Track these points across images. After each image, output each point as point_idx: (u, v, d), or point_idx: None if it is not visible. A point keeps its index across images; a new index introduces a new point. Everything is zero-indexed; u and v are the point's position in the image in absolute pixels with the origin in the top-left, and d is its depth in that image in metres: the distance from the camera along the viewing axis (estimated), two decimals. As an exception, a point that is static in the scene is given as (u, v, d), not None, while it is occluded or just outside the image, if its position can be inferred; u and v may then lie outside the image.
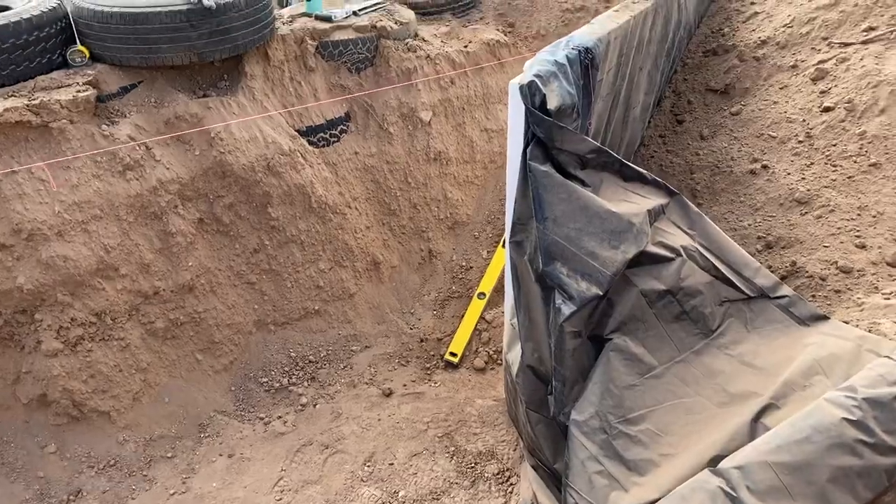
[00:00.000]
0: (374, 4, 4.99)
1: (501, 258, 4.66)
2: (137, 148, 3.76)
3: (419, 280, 4.80)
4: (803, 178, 4.13)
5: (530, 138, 2.98)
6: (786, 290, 3.31)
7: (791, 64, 4.76)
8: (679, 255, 3.15)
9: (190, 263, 3.94)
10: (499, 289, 4.46)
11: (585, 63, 3.36)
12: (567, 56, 3.24)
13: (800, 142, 4.32)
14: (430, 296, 4.74)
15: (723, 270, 3.26)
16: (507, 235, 3.32)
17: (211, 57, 3.97)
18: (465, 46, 5.30)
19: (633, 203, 3.19)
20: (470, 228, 5.12)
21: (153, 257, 3.82)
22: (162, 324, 3.88)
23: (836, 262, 3.62)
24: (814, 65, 4.64)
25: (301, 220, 4.27)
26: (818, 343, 3.04)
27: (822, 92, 4.46)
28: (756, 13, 5.32)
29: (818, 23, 4.86)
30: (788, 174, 4.19)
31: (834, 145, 4.19)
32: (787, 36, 4.92)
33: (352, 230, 4.50)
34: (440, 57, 4.97)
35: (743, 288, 3.27)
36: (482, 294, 4.48)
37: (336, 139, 4.58)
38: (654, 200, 3.26)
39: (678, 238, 3.25)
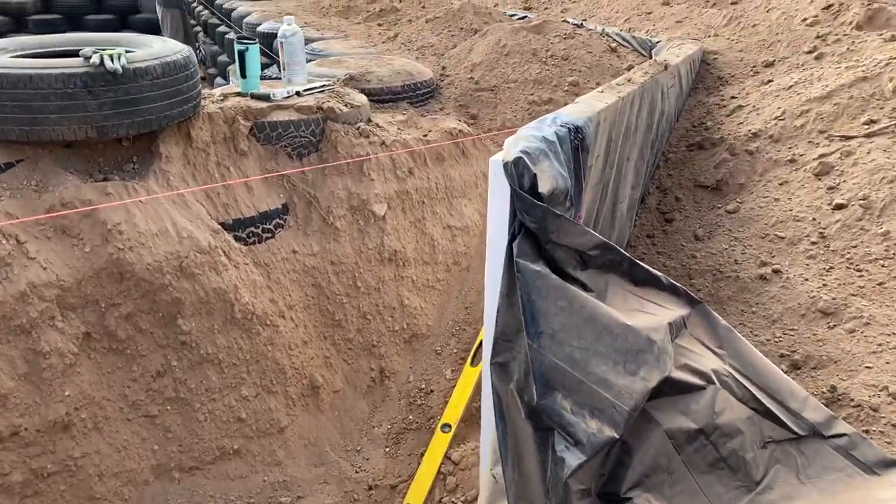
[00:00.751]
0: (322, 85, 4.38)
1: (470, 379, 3.83)
2: (4, 242, 2.90)
3: (368, 408, 3.91)
4: (824, 285, 3.50)
5: (517, 229, 2.26)
6: (843, 426, 2.57)
7: (788, 158, 4.28)
8: (710, 381, 2.41)
9: (67, 392, 3.01)
10: (468, 419, 3.61)
11: (575, 144, 2.73)
12: (556, 133, 2.60)
13: (813, 243, 3.73)
14: (381, 428, 3.84)
15: (763, 401, 2.51)
16: (486, 355, 2.55)
17: (114, 133, 3.22)
18: (425, 135, 4.70)
19: (650, 314, 2.46)
20: (431, 342, 4.31)
21: (14, 385, 2.88)
22: (20, 476, 2.88)
23: (887, 388, 2.92)
24: (815, 159, 4.16)
25: (220, 334, 3.41)
26: (895, 498, 2.28)
27: (831, 188, 3.95)
28: (741, 106, 4.92)
29: (812, 115, 4.44)
30: (806, 280, 3.56)
31: (854, 247, 3.61)
32: (781, 129, 4.47)
33: (285, 346, 3.64)
34: (397, 144, 4.34)
35: (790, 424, 2.52)
36: (447, 426, 3.61)
37: (270, 235, 3.80)
38: (674, 311, 2.53)
39: (706, 359, 2.51)
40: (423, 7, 7.78)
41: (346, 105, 4.24)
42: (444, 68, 5.93)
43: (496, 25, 6.23)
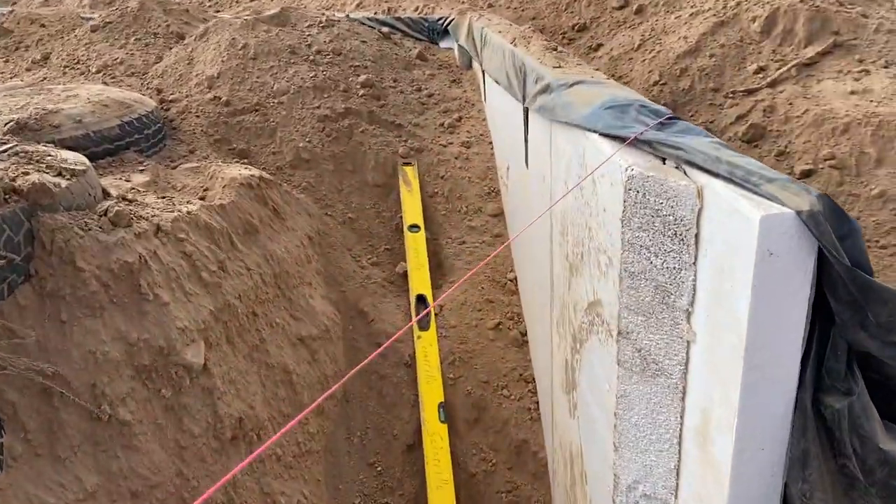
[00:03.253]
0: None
1: None
2: None
3: None
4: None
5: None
6: None
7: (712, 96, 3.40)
8: None
9: None
10: None
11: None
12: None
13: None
14: None
15: None
16: None
17: None
18: (203, 198, 2.73)
19: None
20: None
21: None
22: None
23: None
24: (733, 123, 3.33)
25: None
26: None
27: (780, 154, 3.13)
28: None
29: (695, 73, 3.62)
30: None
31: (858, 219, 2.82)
32: (671, 95, 3.56)
33: None
34: (182, 225, 2.32)
35: None
36: None
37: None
38: None
39: None
40: (43, 26, 5.29)
41: (59, 173, 2.09)
42: (160, 91, 3.83)
43: (216, 22, 4.29)
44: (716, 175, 1.17)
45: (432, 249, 3.41)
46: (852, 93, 3.21)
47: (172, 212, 2.38)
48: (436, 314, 3.01)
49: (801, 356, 1.07)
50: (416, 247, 3.31)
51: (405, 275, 3.24)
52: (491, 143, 3.90)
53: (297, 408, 2.57)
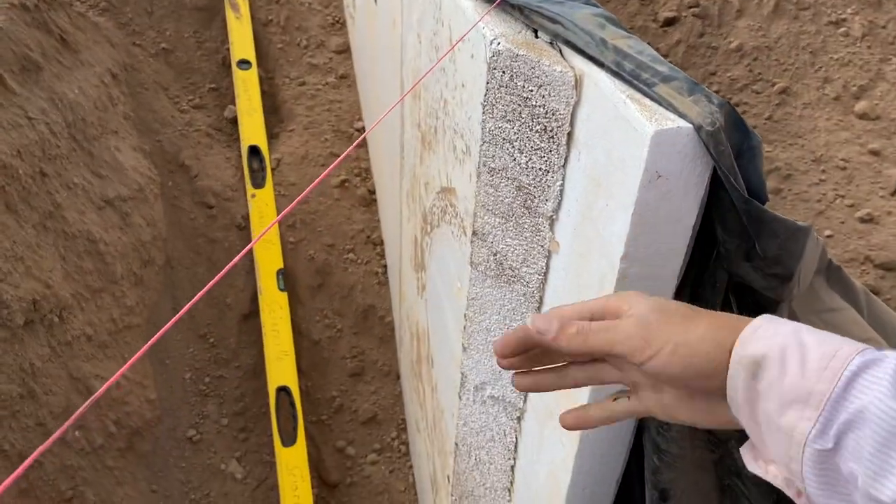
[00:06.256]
0: None
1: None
2: None
3: None
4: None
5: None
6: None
7: None
8: None
9: None
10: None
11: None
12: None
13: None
14: None
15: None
16: None
17: None
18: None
19: None
20: (165, 446, 2.27)
21: None
22: None
23: None
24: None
25: None
26: None
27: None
28: None
29: None
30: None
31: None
32: None
33: None
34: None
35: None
36: None
37: None
38: None
39: None
40: None
41: None
42: None
43: None
44: (599, 64, 0.95)
45: (267, 90, 2.98)
46: (723, -66, 3.03)
47: None
48: (273, 169, 2.68)
49: (676, 285, 0.95)
50: (247, 87, 2.87)
51: (235, 120, 2.83)
52: (335, -38, 3.37)
53: (110, 280, 2.24)
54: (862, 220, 2.42)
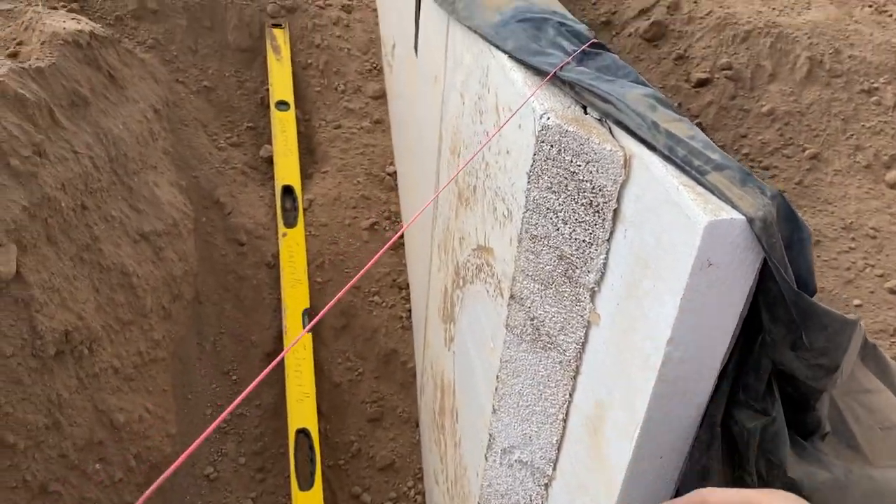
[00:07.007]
0: None
1: None
2: None
3: None
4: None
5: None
6: None
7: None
8: None
9: None
10: None
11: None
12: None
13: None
14: None
15: None
16: None
17: None
18: (16, 55, 2.19)
19: None
20: (184, 483, 2.28)
21: None
22: None
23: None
24: (643, 10, 3.13)
25: None
26: None
27: (680, 57, 2.99)
28: None
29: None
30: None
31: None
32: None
33: None
34: (-21, 96, 1.83)
35: None
36: None
37: None
38: None
39: None
40: None
41: None
42: None
43: None
44: (650, 147, 0.96)
45: (303, 131, 3.04)
46: (757, -3, 3.09)
47: (-35, 77, 1.88)
48: (305, 209, 2.73)
49: (719, 370, 0.95)
50: (284, 128, 2.93)
51: (270, 160, 2.88)
52: (375, 10, 3.47)
53: (140, 313, 2.27)
54: (892, 291, 2.40)
